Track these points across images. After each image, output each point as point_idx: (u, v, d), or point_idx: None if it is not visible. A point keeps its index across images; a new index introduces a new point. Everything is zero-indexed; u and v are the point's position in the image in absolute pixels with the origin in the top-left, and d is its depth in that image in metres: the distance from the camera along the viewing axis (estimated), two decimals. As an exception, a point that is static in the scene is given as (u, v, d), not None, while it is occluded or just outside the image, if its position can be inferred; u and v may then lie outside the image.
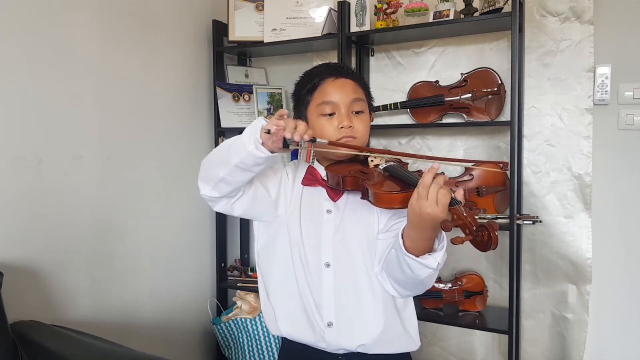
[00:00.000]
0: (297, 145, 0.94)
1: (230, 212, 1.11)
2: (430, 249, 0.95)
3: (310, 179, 1.16)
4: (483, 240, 0.82)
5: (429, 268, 0.94)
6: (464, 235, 0.84)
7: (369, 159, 1.09)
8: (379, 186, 0.97)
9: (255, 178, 1.10)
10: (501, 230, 1.78)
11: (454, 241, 0.84)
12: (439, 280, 1.96)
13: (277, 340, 2.13)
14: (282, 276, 1.16)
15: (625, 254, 1.81)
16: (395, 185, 0.97)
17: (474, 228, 0.83)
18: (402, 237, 0.96)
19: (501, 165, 1.01)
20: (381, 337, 1.10)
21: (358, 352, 1.11)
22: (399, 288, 1.07)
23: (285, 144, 0.92)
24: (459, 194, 0.89)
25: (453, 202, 0.86)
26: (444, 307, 1.96)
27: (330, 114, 1.11)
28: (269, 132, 0.92)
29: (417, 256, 0.94)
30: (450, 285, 1.94)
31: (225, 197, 1.07)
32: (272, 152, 0.95)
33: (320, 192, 1.15)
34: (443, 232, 0.94)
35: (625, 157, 1.79)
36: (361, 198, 1.01)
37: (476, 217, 0.84)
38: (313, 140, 0.94)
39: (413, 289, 1.07)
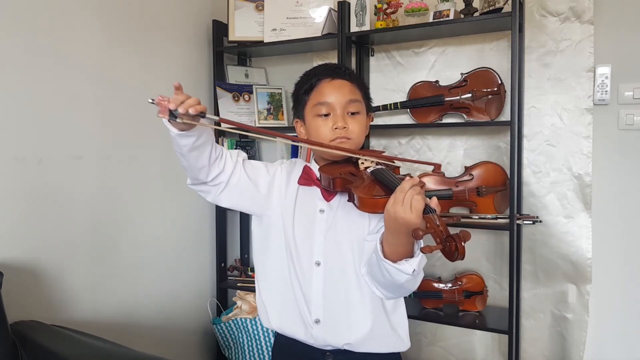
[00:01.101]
0: (187, 119, 0.92)
1: (217, 202, 1.14)
2: (409, 254, 0.96)
3: (306, 178, 1.17)
4: (450, 250, 0.81)
5: (405, 274, 0.94)
6: (434, 244, 0.84)
7: (360, 161, 1.09)
8: (364, 190, 0.97)
9: (244, 172, 1.13)
10: (501, 230, 1.79)
11: (423, 250, 0.84)
12: (439, 280, 1.96)
13: (277, 340, 2.13)
14: (274, 271, 1.18)
15: (625, 254, 1.81)
16: (379, 189, 0.97)
17: (444, 237, 0.83)
18: (381, 243, 0.97)
19: (433, 167, 1.03)
20: (368, 336, 1.11)
21: (345, 350, 1.12)
22: (382, 290, 1.08)
23: (173, 115, 0.91)
24: (433, 202, 0.89)
25: (427, 210, 0.87)
26: (444, 307, 1.97)
27: (326, 115, 1.12)
28: (153, 101, 0.93)
29: (395, 261, 0.95)
30: (450, 285, 1.94)
31: (208, 186, 1.11)
32: (181, 130, 0.96)
33: (315, 191, 1.16)
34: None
35: (625, 157, 1.79)
36: (347, 201, 1.02)
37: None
38: (202, 116, 0.93)
39: (395, 292, 1.08)
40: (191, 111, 0.90)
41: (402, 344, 1.15)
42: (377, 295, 1.11)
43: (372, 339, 1.11)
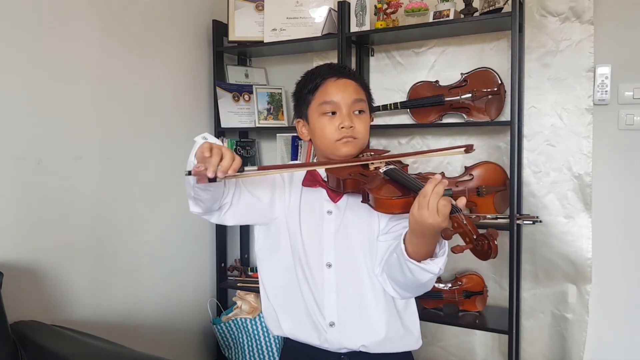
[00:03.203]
0: (227, 178, 0.91)
1: (224, 223, 1.12)
2: (431, 254, 0.95)
3: (311, 179, 1.16)
4: (483, 250, 0.82)
5: (430, 273, 0.94)
6: (464, 244, 0.84)
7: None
8: (380, 191, 0.96)
9: (244, 187, 1.10)
10: (501, 230, 1.79)
11: (454, 250, 0.84)
12: (439, 280, 1.96)
13: (277, 340, 2.13)
14: (283, 277, 1.16)
15: (625, 254, 1.81)
16: (395, 190, 0.96)
17: (474, 237, 0.83)
18: (404, 243, 0.96)
19: (464, 147, 1.00)
20: (384, 337, 1.10)
21: (360, 352, 1.12)
22: (399, 290, 1.08)
23: (212, 180, 0.90)
24: (461, 203, 0.88)
25: (454, 210, 0.86)
26: (444, 307, 1.96)
27: (332, 113, 1.11)
28: (190, 173, 0.91)
29: (419, 261, 0.94)
30: (450, 285, 1.94)
31: (212, 212, 1.08)
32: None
33: (321, 192, 1.15)
34: None
35: (625, 157, 1.79)
36: (362, 201, 1.01)
37: (476, 224, 0.84)
38: (242, 170, 0.91)
39: (413, 291, 1.08)
40: (230, 172, 0.89)
41: (415, 342, 1.16)
42: (389, 295, 1.11)
43: (388, 339, 1.11)
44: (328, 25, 1.99)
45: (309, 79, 1.17)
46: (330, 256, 1.12)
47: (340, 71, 1.16)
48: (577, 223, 1.84)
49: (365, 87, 1.19)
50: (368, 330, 1.11)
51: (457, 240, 0.86)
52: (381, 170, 1.05)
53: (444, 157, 2.04)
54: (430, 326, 2.09)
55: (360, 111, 1.13)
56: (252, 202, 1.12)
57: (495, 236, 0.81)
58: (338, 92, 1.12)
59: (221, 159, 0.89)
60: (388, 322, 1.11)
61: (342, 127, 1.09)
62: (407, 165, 1.10)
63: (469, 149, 0.98)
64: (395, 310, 1.13)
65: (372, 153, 1.15)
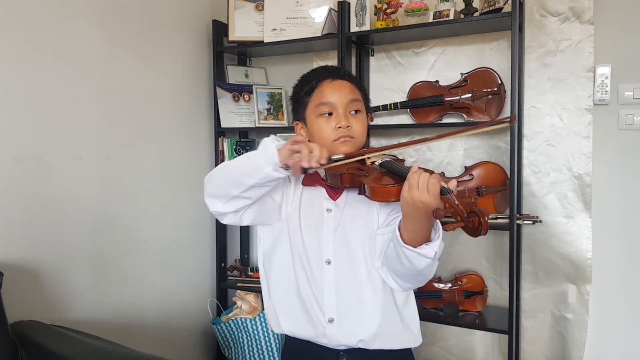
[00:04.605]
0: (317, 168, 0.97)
1: (238, 223, 1.12)
2: (427, 239, 0.97)
3: (310, 178, 1.17)
4: (474, 226, 0.84)
5: (426, 258, 0.95)
6: (455, 223, 0.86)
7: (366, 156, 1.11)
8: (375, 181, 0.99)
9: None
10: (501, 230, 1.79)
11: (446, 228, 0.87)
12: (439, 280, 1.96)
13: (277, 340, 2.13)
14: (282, 274, 1.17)
15: (625, 254, 1.81)
16: (390, 179, 0.99)
17: (465, 215, 0.85)
18: (399, 230, 0.98)
19: (508, 119, 1.00)
20: (380, 332, 1.11)
21: (359, 348, 1.12)
22: (399, 281, 1.09)
23: (304, 170, 0.95)
24: (452, 185, 0.91)
25: (444, 191, 0.89)
26: (444, 307, 1.97)
27: (329, 114, 1.13)
28: (287, 167, 0.95)
29: (415, 247, 0.95)
30: (450, 285, 1.94)
31: (236, 211, 1.09)
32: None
33: (320, 191, 1.17)
34: (438, 222, 0.97)
35: (625, 157, 1.79)
36: (358, 194, 1.04)
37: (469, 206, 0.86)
38: (331, 161, 0.97)
39: (413, 281, 1.09)
40: (323, 161, 0.94)
41: (414, 339, 1.16)
42: (389, 290, 1.12)
43: (385, 334, 1.12)
44: (328, 25, 1.99)
45: (305, 81, 1.19)
46: (330, 253, 1.13)
47: (336, 72, 1.18)
48: (577, 223, 1.84)
49: (360, 87, 1.21)
50: (365, 326, 1.12)
51: (450, 220, 0.88)
52: (377, 163, 1.08)
53: (443, 157, 2.04)
54: (430, 326, 2.09)
55: (356, 111, 1.15)
56: (268, 202, 1.13)
57: (486, 214, 0.83)
58: (334, 93, 1.13)
59: (310, 152, 0.94)
60: (384, 316, 1.11)
61: (339, 127, 1.11)
62: (404, 160, 1.12)
63: (512, 119, 0.99)
64: (394, 305, 1.14)
65: None
